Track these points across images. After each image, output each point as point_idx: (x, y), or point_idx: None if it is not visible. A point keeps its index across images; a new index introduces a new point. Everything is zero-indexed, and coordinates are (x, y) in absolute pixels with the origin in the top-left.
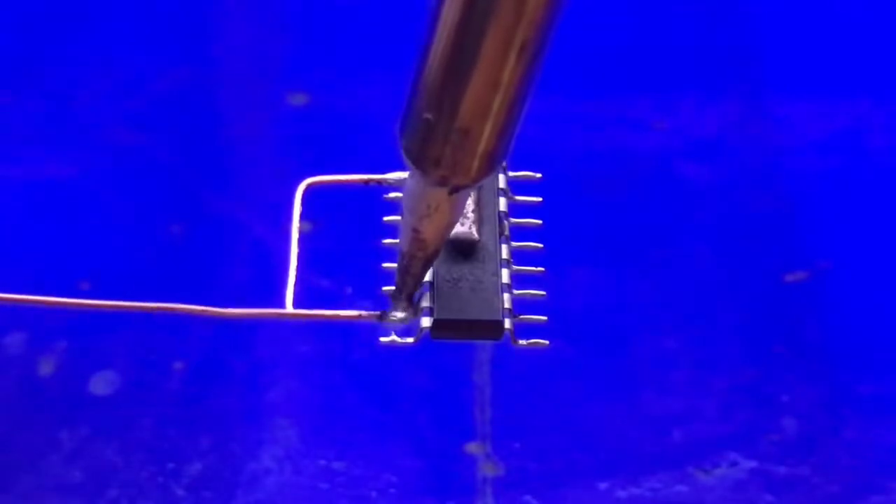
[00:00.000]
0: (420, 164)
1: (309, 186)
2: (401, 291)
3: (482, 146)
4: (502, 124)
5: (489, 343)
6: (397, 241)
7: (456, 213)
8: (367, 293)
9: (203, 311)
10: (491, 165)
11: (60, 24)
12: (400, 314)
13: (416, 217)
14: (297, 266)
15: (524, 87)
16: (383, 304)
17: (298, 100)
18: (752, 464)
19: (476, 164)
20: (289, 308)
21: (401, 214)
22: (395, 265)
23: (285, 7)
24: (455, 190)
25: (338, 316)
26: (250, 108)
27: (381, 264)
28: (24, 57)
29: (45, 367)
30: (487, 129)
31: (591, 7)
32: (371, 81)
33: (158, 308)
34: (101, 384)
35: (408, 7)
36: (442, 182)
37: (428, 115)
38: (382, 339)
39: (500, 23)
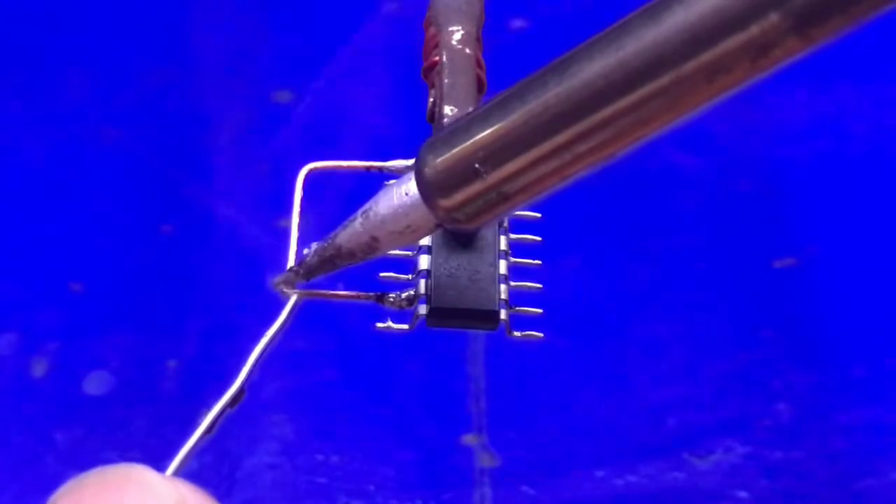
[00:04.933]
0: (435, 199)
1: (311, 171)
2: (308, 273)
3: (507, 211)
4: (534, 201)
5: (483, 334)
6: (340, 233)
7: (424, 237)
8: (358, 288)
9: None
10: (495, 223)
11: (43, 23)
12: (397, 297)
13: (385, 229)
14: (297, 249)
15: (574, 182)
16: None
17: (283, 97)
18: (747, 449)
19: (487, 219)
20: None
21: (361, 212)
22: (391, 275)
23: (269, 3)
24: (442, 226)
25: (336, 295)
26: (236, 106)
27: (374, 265)
28: (7, 57)
29: (38, 369)
30: (525, 201)
31: None
32: (356, 78)
33: None
34: (95, 384)
35: (393, 1)
36: (444, 221)
37: (480, 168)
38: (378, 324)
39: (607, 142)
